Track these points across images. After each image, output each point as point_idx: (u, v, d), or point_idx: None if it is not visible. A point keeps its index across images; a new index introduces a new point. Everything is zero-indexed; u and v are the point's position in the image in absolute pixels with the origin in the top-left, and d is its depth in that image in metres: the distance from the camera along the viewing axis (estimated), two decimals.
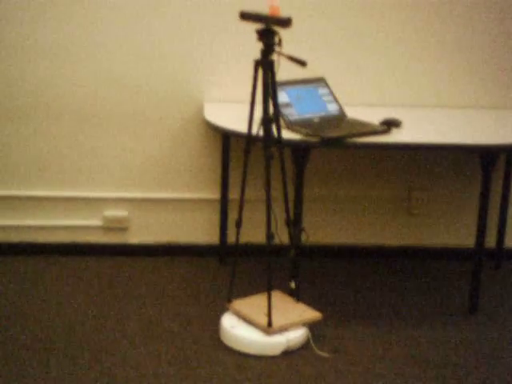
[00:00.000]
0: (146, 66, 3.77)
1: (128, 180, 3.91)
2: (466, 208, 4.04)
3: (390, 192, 4.01)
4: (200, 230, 3.99)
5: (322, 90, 3.56)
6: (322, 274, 3.85)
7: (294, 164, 3.28)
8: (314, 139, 3.20)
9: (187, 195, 3.95)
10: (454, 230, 4.07)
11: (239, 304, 3.26)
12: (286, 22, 2.93)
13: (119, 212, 3.94)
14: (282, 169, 3.19)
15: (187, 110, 3.82)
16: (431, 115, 3.74)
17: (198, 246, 4.00)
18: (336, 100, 3.56)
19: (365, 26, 3.81)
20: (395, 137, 3.31)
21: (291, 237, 3.26)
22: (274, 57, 3.03)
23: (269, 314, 3.09)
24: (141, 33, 3.73)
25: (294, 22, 2.97)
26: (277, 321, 3.11)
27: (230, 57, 3.77)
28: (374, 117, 3.48)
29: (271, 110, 3.07)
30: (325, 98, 3.54)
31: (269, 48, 3.00)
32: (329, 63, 3.80)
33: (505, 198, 3.95)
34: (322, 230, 4.01)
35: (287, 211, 3.23)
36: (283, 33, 2.99)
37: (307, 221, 3.81)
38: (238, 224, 3.22)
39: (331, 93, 3.57)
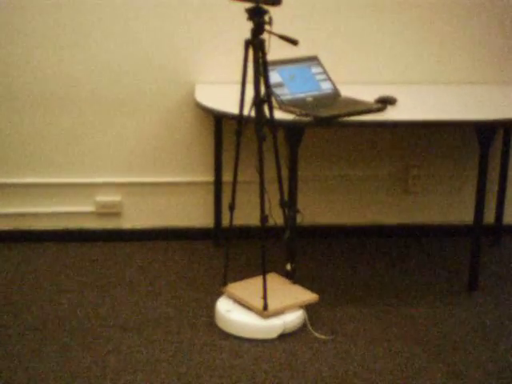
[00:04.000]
0: (136, 49, 3.70)
1: (120, 165, 3.85)
2: (464, 184, 3.99)
3: (386, 170, 3.96)
4: (194, 214, 3.94)
5: (315, 69, 3.49)
6: (318, 254, 3.81)
7: (287, 144, 3.22)
8: (307, 119, 3.14)
9: (180, 178, 3.89)
10: (452, 207, 4.03)
11: (234, 287, 3.22)
12: (275, 0, 2.86)
13: (112, 197, 3.89)
14: (275, 150, 3.13)
15: (178, 92, 3.76)
16: (426, 92, 3.68)
17: (193, 230, 3.95)
18: (329, 78, 3.49)
19: (357, 4, 3.73)
20: (390, 114, 3.25)
21: (286, 218, 3.21)
22: (265, 36, 2.96)
23: (264, 297, 3.04)
24: (129, 16, 3.66)
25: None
26: (273, 304, 3.07)
27: (221, 37, 3.71)
28: (368, 95, 3.42)
29: (263, 90, 3.01)
30: (318, 77, 3.48)
31: (259, 27, 2.93)
32: (322, 41, 3.74)
33: (503, 174, 3.90)
34: (317, 210, 3.97)
35: (281, 193, 3.18)
36: (274, 11, 2.92)
37: (302, 201, 3.76)
38: (232, 207, 3.17)
39: (324, 71, 3.50)
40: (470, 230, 3.50)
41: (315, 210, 3.96)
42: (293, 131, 3.20)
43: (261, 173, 3.02)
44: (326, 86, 3.46)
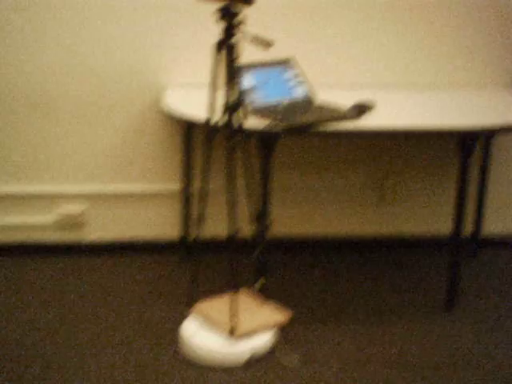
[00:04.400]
0: (99, 51, 3.49)
1: (83, 173, 3.64)
2: (441, 194, 3.83)
3: (362, 179, 3.79)
4: (161, 225, 3.73)
5: (290, 73, 3.31)
6: (290, 268, 3.62)
7: (259, 153, 3.04)
8: (280, 127, 2.95)
9: (147, 188, 3.69)
10: (429, 218, 3.87)
11: (201, 307, 3.02)
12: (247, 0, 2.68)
13: (74, 208, 3.67)
14: (247, 160, 2.94)
15: (145, 96, 3.56)
16: (407, 96, 3.51)
17: (160, 242, 3.75)
18: (305, 82, 3.31)
19: (335, 3, 3.56)
20: (366, 122, 3.08)
21: (257, 233, 3.02)
22: (237, 38, 2.77)
23: (233, 319, 2.85)
24: (93, 15, 3.45)
25: None
26: (242, 325, 2.87)
27: (191, 39, 3.51)
28: (346, 99, 3.25)
29: (235, 96, 2.82)
30: (292, 82, 3.29)
31: (230, 28, 2.73)
32: (298, 42, 3.55)
33: (482, 183, 3.75)
34: (290, 221, 3.78)
35: (253, 206, 2.99)
36: (247, 11, 2.73)
37: (274, 212, 3.58)
38: (199, 219, 2.98)
39: (300, 74, 3.32)
40: (447, 242, 3.34)
41: (288, 221, 3.77)
42: (265, 140, 3.01)
43: (230, 185, 2.83)
44: (300, 91, 3.28)
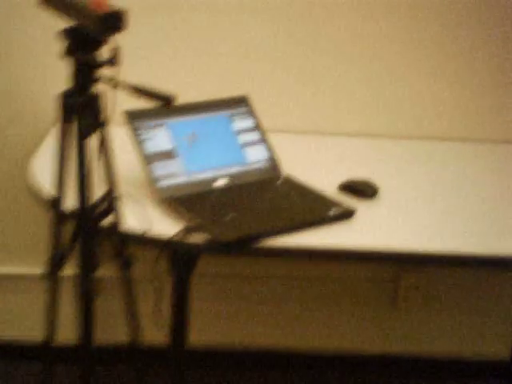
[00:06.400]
0: None
1: None
2: (482, 300, 2.52)
3: (364, 274, 2.48)
4: (23, 321, 2.51)
5: (241, 122, 1.97)
6: None
7: (171, 272, 1.76)
8: (199, 240, 1.64)
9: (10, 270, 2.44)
10: (464, 334, 2.58)
11: None
12: (114, 24, 1.34)
13: None
14: (129, 303, 1.64)
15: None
16: (433, 158, 2.17)
17: (18, 345, 2.52)
18: (264, 140, 1.97)
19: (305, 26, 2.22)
20: (359, 227, 1.75)
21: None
22: (101, 88, 1.45)
23: None
24: None
25: None
26: None
27: None
28: (331, 168, 1.95)
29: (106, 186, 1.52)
30: (243, 138, 1.95)
31: (85, 71, 1.41)
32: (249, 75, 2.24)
33: None
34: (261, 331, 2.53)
35: None
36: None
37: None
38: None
39: (257, 126, 1.98)
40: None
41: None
42: (178, 257, 1.71)
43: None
44: (255, 156, 1.94)
